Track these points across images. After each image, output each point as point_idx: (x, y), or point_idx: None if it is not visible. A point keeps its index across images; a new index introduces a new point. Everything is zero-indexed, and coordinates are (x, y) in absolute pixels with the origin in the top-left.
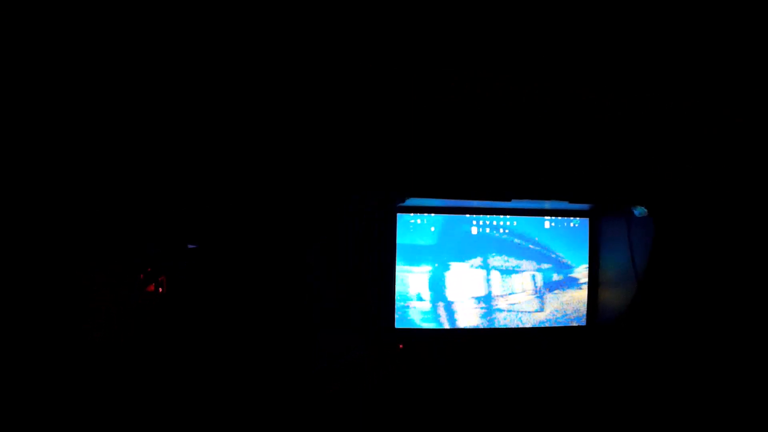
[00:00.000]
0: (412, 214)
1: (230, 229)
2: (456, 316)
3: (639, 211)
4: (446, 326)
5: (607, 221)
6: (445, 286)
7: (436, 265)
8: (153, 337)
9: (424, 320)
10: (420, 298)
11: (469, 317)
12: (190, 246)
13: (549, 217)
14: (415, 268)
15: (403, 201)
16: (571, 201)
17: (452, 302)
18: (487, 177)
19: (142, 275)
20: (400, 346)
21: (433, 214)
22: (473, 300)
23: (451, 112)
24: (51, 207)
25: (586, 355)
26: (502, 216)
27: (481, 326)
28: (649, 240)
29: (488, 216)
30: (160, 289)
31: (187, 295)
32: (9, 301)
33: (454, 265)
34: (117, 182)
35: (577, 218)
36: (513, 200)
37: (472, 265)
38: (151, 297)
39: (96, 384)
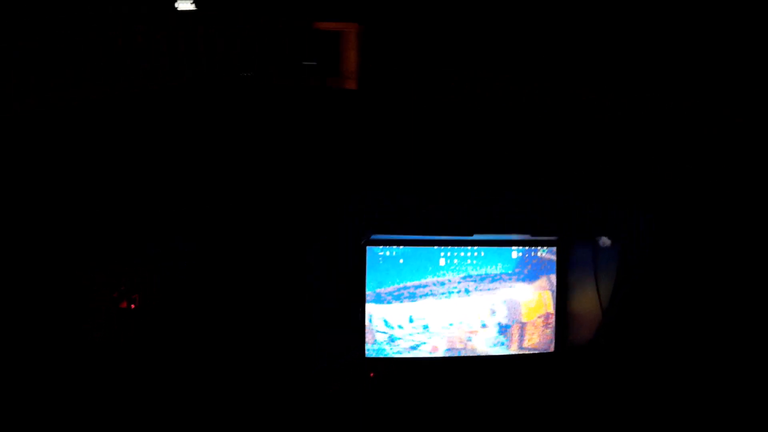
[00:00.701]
0: (381, 247)
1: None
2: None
3: (602, 241)
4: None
5: (574, 250)
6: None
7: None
8: (154, 336)
9: (396, 350)
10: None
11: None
12: (186, 247)
13: (517, 247)
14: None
15: (367, 238)
16: (533, 234)
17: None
18: (450, 213)
19: (115, 293)
20: (371, 374)
21: (402, 247)
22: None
23: (411, 144)
24: (49, 210)
25: (556, 381)
26: (469, 247)
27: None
28: (613, 267)
29: (456, 248)
30: (132, 306)
31: (181, 298)
32: (9, 302)
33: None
34: (116, 185)
35: (545, 247)
36: (475, 234)
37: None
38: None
39: (96, 384)
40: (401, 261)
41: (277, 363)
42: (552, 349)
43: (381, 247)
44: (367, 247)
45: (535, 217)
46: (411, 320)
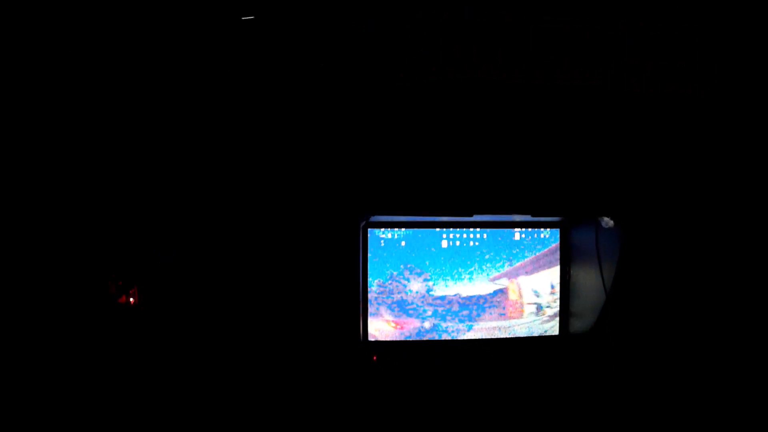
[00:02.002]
0: (382, 230)
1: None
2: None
3: (605, 222)
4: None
5: (577, 231)
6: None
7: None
8: (155, 332)
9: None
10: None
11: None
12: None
13: (519, 229)
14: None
15: (366, 220)
16: (534, 215)
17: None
18: (449, 193)
19: (113, 288)
20: (374, 357)
21: (403, 229)
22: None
23: (412, 127)
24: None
25: (560, 365)
26: (471, 229)
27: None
28: (617, 249)
29: (458, 230)
30: (132, 300)
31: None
32: (10, 302)
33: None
34: (114, 190)
35: (548, 229)
36: (475, 215)
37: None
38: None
39: (96, 383)
40: (403, 244)
41: (282, 351)
42: (557, 332)
43: (382, 229)
44: (369, 230)
45: (537, 198)
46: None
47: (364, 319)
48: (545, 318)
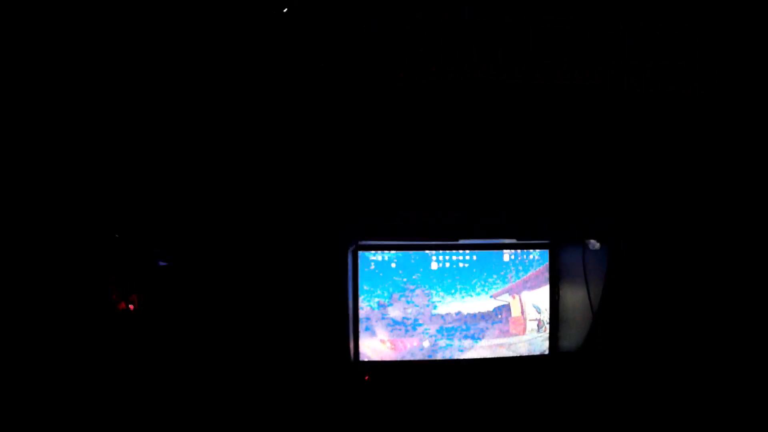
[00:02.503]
0: (373, 252)
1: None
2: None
3: (592, 244)
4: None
5: (566, 252)
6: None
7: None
8: (156, 339)
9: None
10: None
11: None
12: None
13: (509, 251)
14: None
15: (354, 244)
16: (520, 239)
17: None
18: (435, 218)
19: (114, 295)
20: (366, 377)
21: (393, 251)
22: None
23: (396, 150)
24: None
25: (550, 384)
26: (461, 251)
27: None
28: (603, 270)
29: (448, 251)
30: (131, 306)
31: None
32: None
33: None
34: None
35: (537, 250)
36: (461, 240)
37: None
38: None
39: (97, 391)
40: (393, 265)
41: (272, 371)
42: (546, 351)
43: (373, 252)
44: (360, 252)
45: (525, 222)
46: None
47: (356, 339)
48: (548, 335)
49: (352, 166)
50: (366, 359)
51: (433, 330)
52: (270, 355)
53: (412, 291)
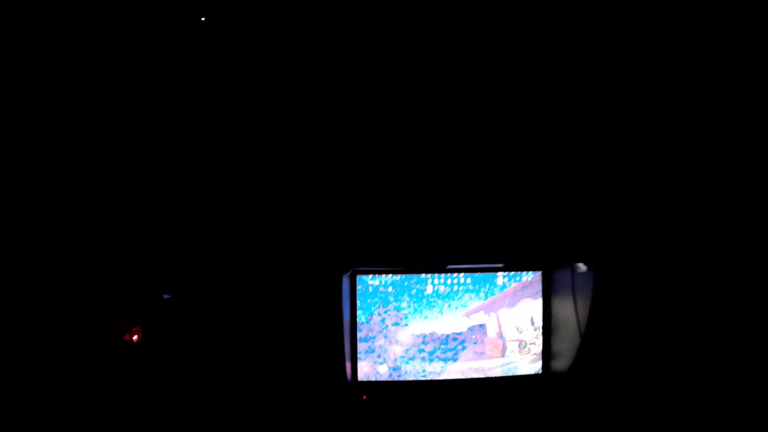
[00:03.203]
0: (371, 276)
1: None
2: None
3: (579, 267)
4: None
5: (559, 272)
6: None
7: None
8: (160, 371)
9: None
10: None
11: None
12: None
13: (502, 273)
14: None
15: (347, 272)
16: (507, 265)
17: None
18: (424, 246)
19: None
20: (364, 396)
21: (390, 275)
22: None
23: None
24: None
25: (544, 402)
26: (456, 274)
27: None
28: (590, 292)
29: (443, 275)
30: (135, 338)
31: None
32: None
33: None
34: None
35: (530, 272)
36: (450, 266)
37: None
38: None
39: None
40: (390, 289)
41: (269, 392)
42: (540, 371)
43: (371, 276)
44: (358, 276)
45: (516, 246)
46: None
47: (354, 360)
48: (532, 357)
49: (351, 167)
50: (365, 379)
51: (400, 351)
52: (269, 379)
53: (394, 311)
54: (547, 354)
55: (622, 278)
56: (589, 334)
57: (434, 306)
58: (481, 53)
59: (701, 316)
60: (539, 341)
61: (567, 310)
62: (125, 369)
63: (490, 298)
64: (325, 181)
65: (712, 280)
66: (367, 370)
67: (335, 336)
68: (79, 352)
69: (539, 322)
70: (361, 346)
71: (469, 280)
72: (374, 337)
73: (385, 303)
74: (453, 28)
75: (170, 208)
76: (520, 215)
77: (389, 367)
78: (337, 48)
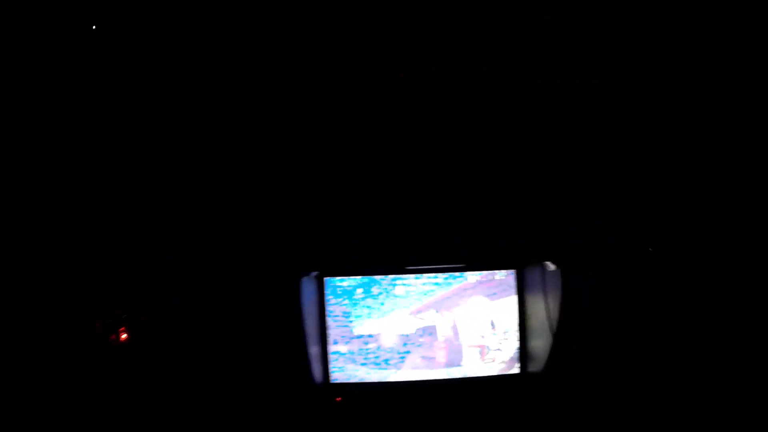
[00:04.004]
0: (339, 278)
1: None
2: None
3: (548, 266)
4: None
5: (532, 271)
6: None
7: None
8: (146, 372)
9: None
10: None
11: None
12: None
13: (475, 272)
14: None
15: (308, 274)
16: (468, 266)
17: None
18: (384, 250)
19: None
20: (338, 399)
21: (359, 277)
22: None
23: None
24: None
25: (522, 402)
26: (426, 274)
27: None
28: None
29: (413, 275)
30: (122, 338)
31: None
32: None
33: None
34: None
35: (503, 270)
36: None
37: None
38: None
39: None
40: (359, 291)
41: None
42: (518, 370)
43: (338, 278)
44: (325, 279)
45: (488, 245)
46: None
47: (324, 362)
48: (499, 365)
49: (350, 168)
50: (339, 381)
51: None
52: (238, 384)
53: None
54: (523, 354)
55: (597, 277)
56: (560, 334)
57: (394, 307)
58: (481, 53)
59: (694, 315)
60: (504, 346)
61: (538, 309)
62: (107, 368)
63: (440, 294)
64: (323, 181)
65: (712, 280)
66: (340, 373)
67: (297, 338)
68: (79, 352)
69: (503, 325)
70: (332, 348)
71: (440, 280)
72: (347, 340)
73: (354, 304)
74: (453, 28)
75: (170, 208)
76: (488, 213)
77: (366, 370)
78: (336, 48)
